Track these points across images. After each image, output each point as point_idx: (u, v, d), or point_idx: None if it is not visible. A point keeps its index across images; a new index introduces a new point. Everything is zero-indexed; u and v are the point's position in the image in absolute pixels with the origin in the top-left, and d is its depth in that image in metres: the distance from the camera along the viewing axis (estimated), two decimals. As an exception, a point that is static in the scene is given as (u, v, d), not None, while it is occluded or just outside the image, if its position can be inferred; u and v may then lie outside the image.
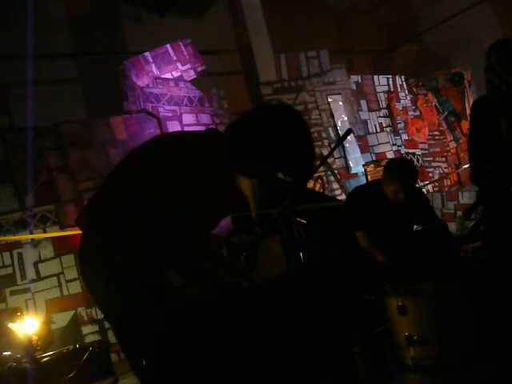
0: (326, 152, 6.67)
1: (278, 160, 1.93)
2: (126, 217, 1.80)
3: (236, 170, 1.96)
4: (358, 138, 7.30)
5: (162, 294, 1.87)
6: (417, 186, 7.33)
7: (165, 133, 1.59)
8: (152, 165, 1.85)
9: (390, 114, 7.90)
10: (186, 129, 5.82)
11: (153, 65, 6.06)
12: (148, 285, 1.80)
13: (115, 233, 1.81)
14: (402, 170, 3.59)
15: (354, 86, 7.58)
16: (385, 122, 7.82)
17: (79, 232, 1.98)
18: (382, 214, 3.62)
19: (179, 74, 6.27)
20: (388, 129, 7.81)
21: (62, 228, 5.10)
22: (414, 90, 8.40)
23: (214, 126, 6.14)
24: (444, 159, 8.35)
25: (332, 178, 6.68)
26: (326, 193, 5.99)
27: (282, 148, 1.91)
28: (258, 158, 1.93)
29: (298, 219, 2.81)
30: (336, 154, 6.90)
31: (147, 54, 6.02)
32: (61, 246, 5.06)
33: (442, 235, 3.54)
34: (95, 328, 5.04)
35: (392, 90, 8.05)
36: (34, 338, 4.25)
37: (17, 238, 4.97)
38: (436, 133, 8.39)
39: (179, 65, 6.26)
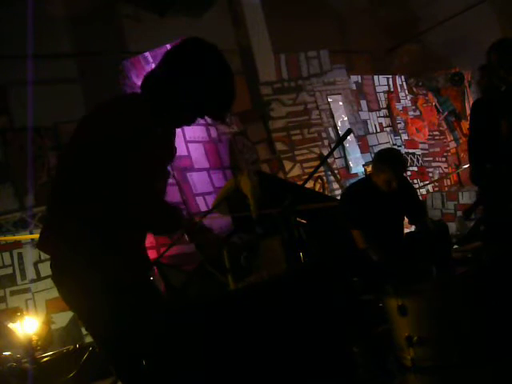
0: (325, 152, 6.67)
1: (194, 96, 1.89)
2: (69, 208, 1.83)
3: (161, 121, 1.92)
4: (358, 138, 7.29)
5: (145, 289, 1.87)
6: (415, 184, 7.36)
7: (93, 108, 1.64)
8: (72, 145, 1.91)
9: (390, 114, 7.89)
10: (186, 129, 5.81)
11: (153, 65, 6.05)
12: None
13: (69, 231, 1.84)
14: (391, 157, 3.68)
15: (353, 86, 7.57)
16: (385, 122, 7.82)
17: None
18: (375, 208, 3.66)
19: (179, 74, 6.26)
20: (388, 129, 7.81)
21: (62, 228, 5.09)
22: (414, 90, 8.39)
23: (213, 126, 6.14)
24: (444, 159, 8.34)
25: (332, 177, 6.67)
26: (326, 193, 5.98)
27: (194, 84, 1.88)
28: (176, 101, 1.90)
29: (298, 219, 2.81)
30: (336, 153, 6.89)
31: (147, 54, 6.02)
32: (61, 246, 5.05)
33: (437, 235, 3.55)
34: (95, 328, 5.04)
35: (392, 89, 8.04)
36: (34, 338, 4.25)
37: (17, 238, 4.97)
38: (436, 133, 8.39)
39: (179, 65, 6.25)
